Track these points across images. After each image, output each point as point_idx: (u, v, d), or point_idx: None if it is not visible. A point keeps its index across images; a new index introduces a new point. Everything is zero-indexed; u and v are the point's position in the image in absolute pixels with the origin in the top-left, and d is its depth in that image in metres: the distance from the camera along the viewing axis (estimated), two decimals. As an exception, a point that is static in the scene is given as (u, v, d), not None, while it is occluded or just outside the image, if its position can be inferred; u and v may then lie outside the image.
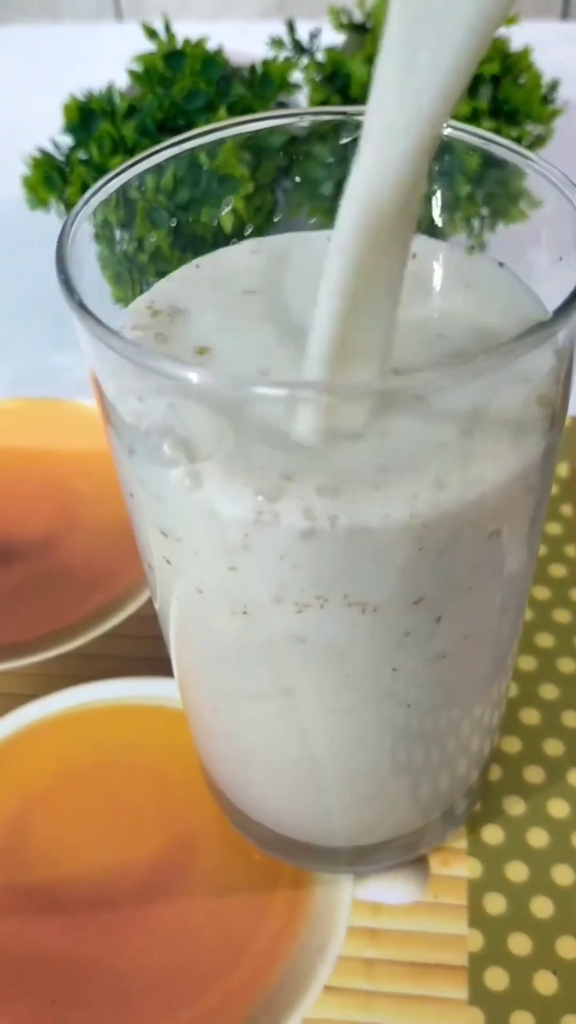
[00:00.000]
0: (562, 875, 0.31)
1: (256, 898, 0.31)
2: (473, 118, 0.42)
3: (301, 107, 0.48)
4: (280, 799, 0.30)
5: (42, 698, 0.36)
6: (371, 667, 0.23)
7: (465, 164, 0.28)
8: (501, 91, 0.44)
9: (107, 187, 0.24)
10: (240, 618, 0.22)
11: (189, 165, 0.33)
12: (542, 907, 0.30)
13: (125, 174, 0.24)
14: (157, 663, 0.37)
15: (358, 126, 0.30)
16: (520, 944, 0.29)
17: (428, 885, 0.31)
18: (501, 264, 0.27)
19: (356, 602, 0.21)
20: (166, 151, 0.25)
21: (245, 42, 0.54)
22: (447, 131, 0.26)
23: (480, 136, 0.25)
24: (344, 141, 0.31)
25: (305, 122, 0.29)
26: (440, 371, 0.18)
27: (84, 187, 0.44)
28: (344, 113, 0.29)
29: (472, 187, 0.29)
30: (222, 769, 0.31)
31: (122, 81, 0.50)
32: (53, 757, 0.35)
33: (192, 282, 0.27)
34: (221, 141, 0.29)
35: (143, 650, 0.38)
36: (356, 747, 0.27)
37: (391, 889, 0.31)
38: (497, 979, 0.29)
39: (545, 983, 0.29)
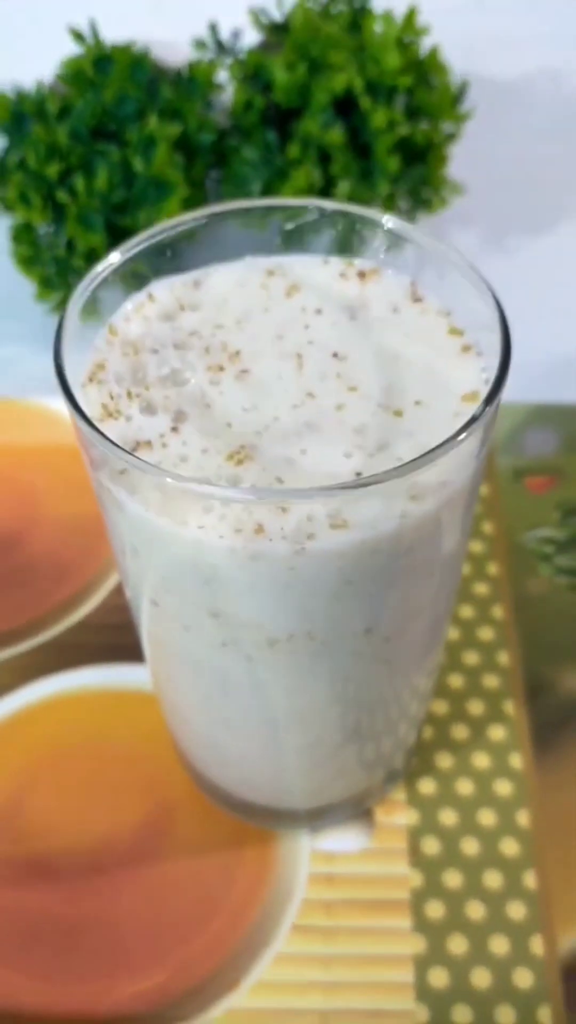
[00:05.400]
0: (486, 817, 0.36)
1: (228, 856, 0.36)
2: (390, 128, 0.45)
3: (226, 112, 0.50)
4: (246, 772, 0.34)
5: (20, 688, 0.40)
6: (327, 679, 0.28)
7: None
8: (415, 99, 0.47)
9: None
10: (219, 649, 0.27)
11: (123, 169, 0.34)
12: (470, 846, 0.36)
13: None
14: (124, 650, 0.41)
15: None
16: (453, 879, 0.35)
17: (374, 833, 0.36)
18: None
19: (316, 637, 0.25)
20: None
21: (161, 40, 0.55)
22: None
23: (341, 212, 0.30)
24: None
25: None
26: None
27: (22, 195, 0.46)
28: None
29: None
30: (194, 749, 0.35)
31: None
32: (36, 743, 0.39)
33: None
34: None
35: (110, 638, 0.42)
36: (313, 729, 0.32)
37: (343, 840, 0.36)
38: (435, 910, 0.35)
39: (475, 910, 0.34)
